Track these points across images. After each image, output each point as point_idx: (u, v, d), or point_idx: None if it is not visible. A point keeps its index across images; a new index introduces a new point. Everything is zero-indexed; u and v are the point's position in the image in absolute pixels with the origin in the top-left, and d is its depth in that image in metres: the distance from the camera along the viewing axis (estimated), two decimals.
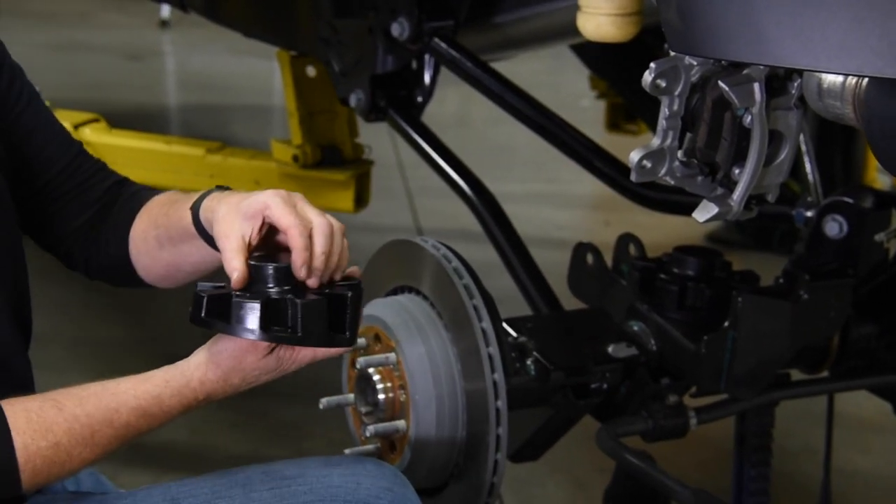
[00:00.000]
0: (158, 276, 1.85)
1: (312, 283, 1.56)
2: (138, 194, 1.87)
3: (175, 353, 1.65)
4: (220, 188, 1.73)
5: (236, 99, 6.42)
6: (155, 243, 1.81)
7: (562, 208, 5.11)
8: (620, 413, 2.17)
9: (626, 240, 2.31)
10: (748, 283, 2.21)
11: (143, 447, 3.14)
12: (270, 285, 1.54)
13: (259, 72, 6.44)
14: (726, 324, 2.08)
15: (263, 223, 1.58)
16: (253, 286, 1.54)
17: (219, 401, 1.62)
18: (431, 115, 5.75)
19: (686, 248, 2.24)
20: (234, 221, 1.59)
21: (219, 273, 1.66)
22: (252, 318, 1.50)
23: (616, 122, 3.84)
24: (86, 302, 4.02)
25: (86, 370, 3.53)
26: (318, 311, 1.53)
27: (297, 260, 1.55)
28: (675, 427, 2.17)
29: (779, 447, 2.41)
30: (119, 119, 5.06)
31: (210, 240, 1.70)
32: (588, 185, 3.37)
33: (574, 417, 2.18)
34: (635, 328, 2.21)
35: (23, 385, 1.70)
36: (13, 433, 1.51)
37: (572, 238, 2.52)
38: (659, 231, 3.67)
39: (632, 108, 3.67)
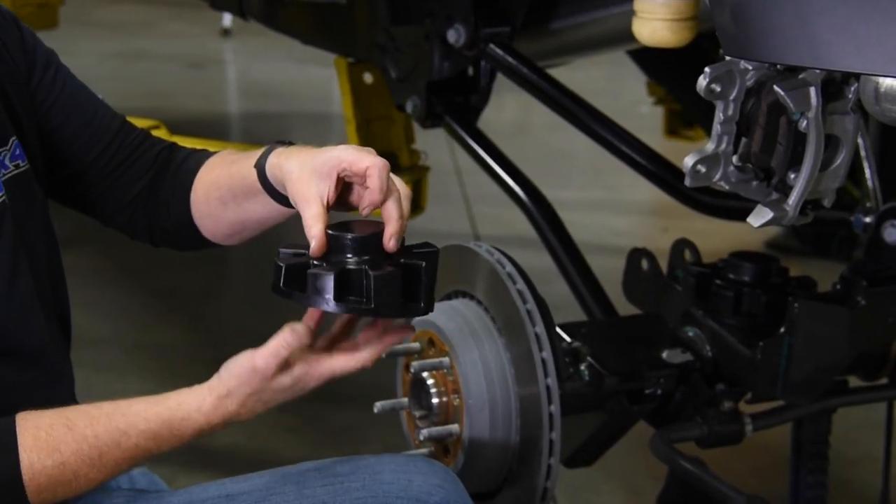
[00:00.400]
0: (224, 234, 1.87)
1: (392, 246, 1.56)
2: (192, 157, 1.89)
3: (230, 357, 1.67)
4: (282, 143, 1.75)
5: (296, 106, 6.47)
6: (218, 203, 1.82)
7: (620, 215, 5.10)
8: (675, 419, 2.17)
9: (681, 245, 2.30)
10: (805, 288, 2.20)
11: (202, 451, 3.19)
12: (348, 255, 1.55)
13: (319, 79, 6.48)
14: (782, 330, 2.07)
15: (339, 180, 1.59)
16: (331, 255, 1.55)
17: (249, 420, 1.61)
18: (490, 122, 5.76)
19: (742, 253, 2.23)
20: (311, 183, 1.59)
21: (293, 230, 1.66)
22: (327, 289, 1.52)
23: (674, 128, 3.83)
24: (146, 305, 4.07)
25: (145, 374, 3.58)
26: (391, 282, 1.54)
27: (389, 230, 1.56)
28: (731, 433, 2.16)
29: (837, 454, 2.39)
30: (181, 126, 5.11)
31: (276, 195, 1.72)
32: (646, 191, 3.36)
33: (628, 423, 2.17)
34: (690, 334, 2.20)
35: (58, 378, 1.72)
36: (20, 450, 1.53)
37: (630, 245, 2.51)
38: (717, 237, 3.64)
39: (689, 114, 3.65)
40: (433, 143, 3.54)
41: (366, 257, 1.56)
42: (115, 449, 1.57)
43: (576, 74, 6.35)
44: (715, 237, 3.58)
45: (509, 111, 6.14)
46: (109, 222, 1.92)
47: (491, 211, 4.93)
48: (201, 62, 7.18)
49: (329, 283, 1.52)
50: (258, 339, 1.60)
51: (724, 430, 2.15)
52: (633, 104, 5.48)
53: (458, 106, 2.68)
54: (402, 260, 1.56)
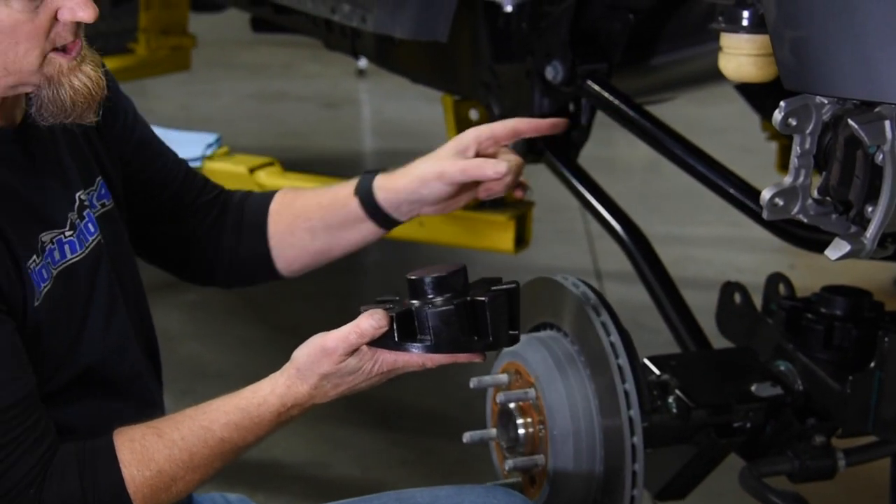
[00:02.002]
0: (302, 265, 2.01)
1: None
2: (254, 197, 2.02)
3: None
4: (369, 172, 1.87)
5: (427, 144, 6.50)
6: (306, 235, 1.96)
7: (745, 251, 5.05)
8: (766, 453, 2.16)
9: (775, 279, 2.29)
10: None
11: (317, 483, 3.26)
12: (430, 295, 1.65)
13: None
14: (872, 364, 2.05)
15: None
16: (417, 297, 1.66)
17: (318, 407, 1.69)
18: (622, 159, 5.75)
19: (835, 287, 2.22)
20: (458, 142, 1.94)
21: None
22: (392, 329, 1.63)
23: (787, 163, 3.78)
24: (270, 340, 4.16)
25: None
26: (449, 319, 1.62)
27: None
28: (823, 468, 2.14)
29: None
30: (313, 164, 5.23)
31: (381, 217, 1.92)
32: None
33: (717, 456, 2.17)
34: (781, 368, 2.19)
35: (150, 406, 1.81)
36: (121, 466, 1.62)
37: (753, 281, 2.50)
38: (847, 275, 3.58)
39: None
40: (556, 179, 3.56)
41: (437, 298, 1.63)
42: (202, 447, 1.64)
43: (707, 111, 6.34)
44: (844, 274, 3.52)
45: (642, 148, 6.12)
46: (177, 269, 2.01)
47: (614, 247, 4.92)
48: (336, 102, 7.33)
49: (448, 318, 1.62)
50: None
51: (816, 464, 2.13)
52: (762, 140, 5.43)
53: (558, 142, 2.71)
54: (468, 297, 1.61)
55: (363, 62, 7.66)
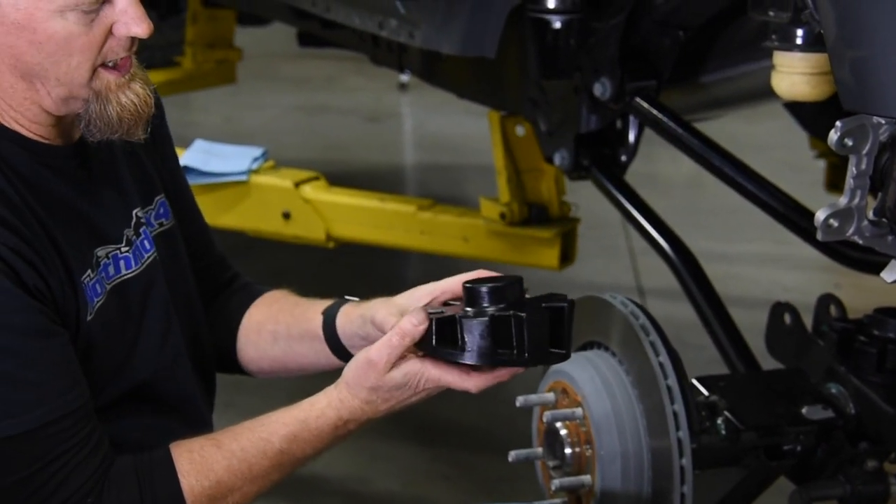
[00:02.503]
0: (260, 368, 1.96)
1: None
2: (250, 287, 1.99)
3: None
4: (346, 299, 1.86)
5: (469, 159, 6.55)
6: (269, 337, 1.92)
7: (791, 270, 5.01)
8: (817, 477, 2.13)
9: (826, 300, 2.27)
10: None
11: (357, 497, 3.25)
12: (484, 304, 1.64)
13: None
14: None
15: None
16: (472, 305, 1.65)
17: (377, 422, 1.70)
18: (665, 175, 5.72)
19: (887, 309, 2.19)
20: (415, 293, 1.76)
21: None
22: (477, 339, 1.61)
23: (836, 181, 3.75)
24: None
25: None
26: (481, 330, 1.61)
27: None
28: (875, 493, 2.11)
29: None
30: (355, 178, 5.23)
31: (335, 344, 1.84)
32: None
33: (767, 479, 2.14)
34: (833, 390, 2.16)
35: (201, 424, 1.81)
36: (180, 476, 1.62)
37: (799, 300, 2.48)
38: (894, 294, 3.56)
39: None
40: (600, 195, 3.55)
41: (490, 307, 1.62)
42: (261, 458, 1.65)
43: (752, 128, 6.30)
44: (891, 293, 3.49)
45: (685, 164, 6.09)
46: None
47: (657, 264, 4.90)
48: (379, 115, 7.34)
49: (483, 330, 1.60)
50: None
51: (868, 489, 2.11)
52: (809, 158, 5.39)
53: (605, 159, 2.70)
54: (510, 311, 1.61)
55: (405, 76, 7.67)
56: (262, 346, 1.93)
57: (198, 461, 1.64)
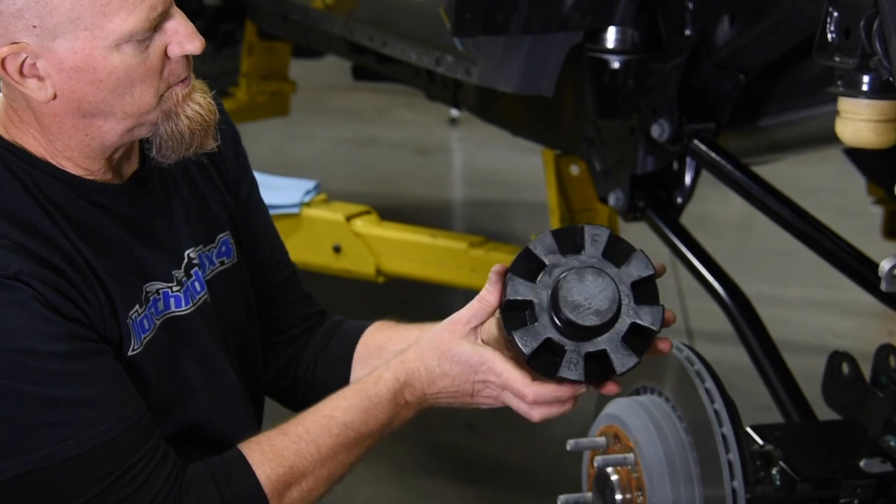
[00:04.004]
0: None
1: None
2: (346, 321, 1.97)
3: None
4: None
5: (518, 195, 6.54)
6: (361, 360, 1.92)
7: (842, 316, 4.95)
8: None
9: (885, 351, 2.22)
10: None
11: None
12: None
13: (541, 169, 6.53)
14: None
15: None
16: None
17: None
18: (714, 216, 5.67)
19: None
20: None
21: None
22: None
23: (894, 229, 3.71)
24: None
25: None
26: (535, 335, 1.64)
27: None
28: None
29: None
30: (403, 211, 5.23)
31: None
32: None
33: None
34: (892, 443, 2.11)
35: None
36: (253, 468, 1.63)
37: (851, 347, 2.44)
38: None
39: None
40: (650, 235, 3.53)
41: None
42: (326, 436, 1.66)
43: (804, 170, 6.25)
44: None
45: (735, 205, 6.06)
46: None
47: (706, 305, 4.85)
48: (428, 149, 7.35)
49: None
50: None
51: None
52: (862, 203, 5.34)
53: (660, 200, 2.67)
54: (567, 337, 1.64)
55: (456, 110, 7.68)
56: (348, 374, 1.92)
57: (268, 451, 1.64)
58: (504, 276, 1.65)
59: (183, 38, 1.62)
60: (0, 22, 1.56)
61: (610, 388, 1.71)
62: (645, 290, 1.67)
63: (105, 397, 1.58)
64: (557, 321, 1.63)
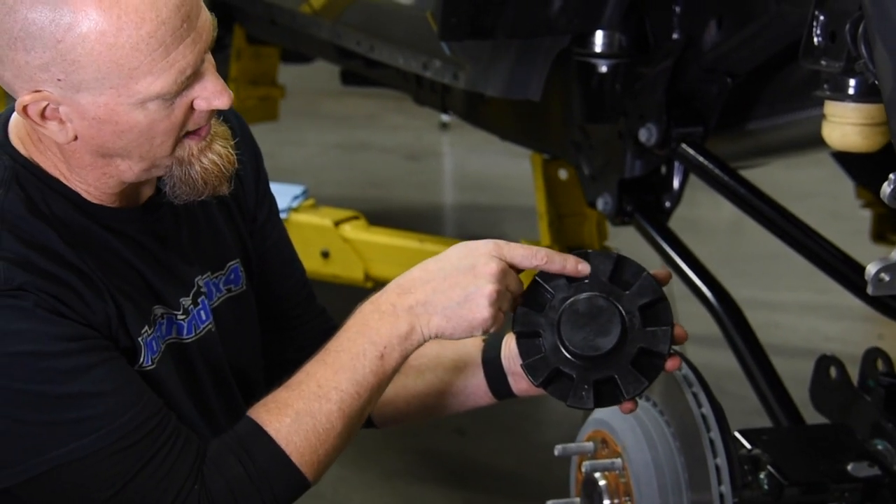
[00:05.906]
0: (396, 409, 1.92)
1: None
2: None
3: None
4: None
5: (509, 200, 6.54)
6: (413, 372, 1.88)
7: (832, 319, 4.95)
8: None
9: (873, 354, 2.22)
10: None
11: None
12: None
13: (532, 174, 6.54)
14: None
15: None
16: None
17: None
18: (706, 220, 5.68)
19: None
20: None
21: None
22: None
23: (882, 232, 3.71)
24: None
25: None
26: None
27: None
28: None
29: None
30: (393, 216, 5.22)
31: (493, 372, 1.84)
32: None
33: None
34: (879, 447, 2.11)
35: None
36: (263, 426, 1.63)
37: (840, 350, 2.44)
38: None
39: None
40: (639, 239, 3.53)
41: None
42: (325, 369, 1.64)
43: (795, 174, 6.25)
44: None
45: (726, 209, 6.07)
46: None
47: (696, 310, 4.85)
48: (419, 154, 7.35)
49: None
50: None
51: None
52: (852, 207, 5.34)
53: (648, 204, 2.67)
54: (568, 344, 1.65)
55: (447, 115, 7.68)
56: (399, 384, 1.86)
57: (273, 407, 1.64)
58: (520, 304, 1.68)
59: (211, 94, 1.59)
60: (26, 72, 1.54)
61: (625, 407, 1.72)
62: (653, 313, 1.67)
63: (123, 387, 1.58)
64: (565, 351, 1.64)
